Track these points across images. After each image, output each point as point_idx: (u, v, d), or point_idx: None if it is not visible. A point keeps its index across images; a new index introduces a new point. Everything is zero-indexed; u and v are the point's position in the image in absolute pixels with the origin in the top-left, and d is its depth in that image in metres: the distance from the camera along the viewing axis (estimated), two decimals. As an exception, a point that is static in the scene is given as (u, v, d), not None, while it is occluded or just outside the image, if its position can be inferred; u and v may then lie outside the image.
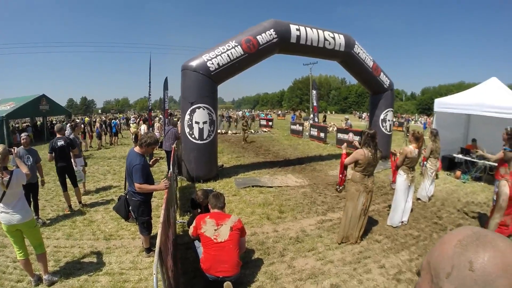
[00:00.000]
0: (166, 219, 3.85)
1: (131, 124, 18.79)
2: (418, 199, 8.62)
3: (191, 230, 4.56)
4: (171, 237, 4.44)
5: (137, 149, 5.11)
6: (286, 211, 7.59)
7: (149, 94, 10.41)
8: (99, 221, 7.04)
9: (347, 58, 12.56)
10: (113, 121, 21.79)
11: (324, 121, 29.27)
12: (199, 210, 5.98)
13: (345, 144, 6.92)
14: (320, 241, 6.05)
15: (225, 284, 4.15)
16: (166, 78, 15.65)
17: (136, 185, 4.86)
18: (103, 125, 20.15)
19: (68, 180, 7.87)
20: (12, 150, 5.21)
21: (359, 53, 12.59)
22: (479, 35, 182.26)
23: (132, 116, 27.82)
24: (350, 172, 6.13)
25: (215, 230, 4.27)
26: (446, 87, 77.94)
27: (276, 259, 5.37)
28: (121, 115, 56.54)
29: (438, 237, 6.39)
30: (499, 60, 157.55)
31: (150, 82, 10.38)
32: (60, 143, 7.59)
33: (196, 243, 4.64)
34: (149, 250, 5.36)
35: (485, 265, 0.73)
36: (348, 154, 5.99)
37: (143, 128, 13.61)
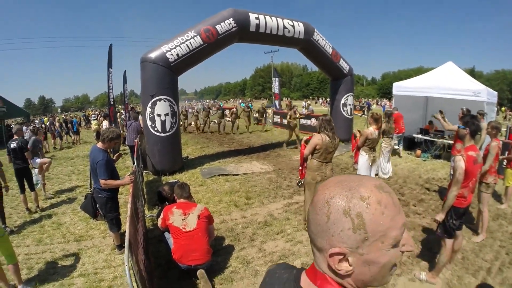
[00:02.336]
0: (133, 213, 3.84)
1: (92, 121, 18.31)
2: (376, 175, 8.93)
3: (159, 222, 4.58)
4: (141, 231, 4.43)
5: (99, 145, 5.05)
6: (253, 197, 7.73)
7: (109, 88, 10.14)
8: (68, 223, 6.87)
9: (307, 45, 12.76)
10: (73, 119, 21.17)
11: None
12: (167, 204, 5.95)
13: (305, 137, 6.96)
14: (288, 224, 6.24)
15: (198, 272, 4.20)
16: (125, 71, 15.42)
17: (101, 181, 4.81)
18: (63, 125, 19.57)
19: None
20: None
21: (318, 40, 12.80)
22: (437, 21, 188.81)
23: (92, 113, 27.05)
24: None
25: (182, 219, 4.31)
26: (405, 72, 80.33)
27: (247, 244, 5.49)
28: (80, 112, 54.78)
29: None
30: (455, 45, 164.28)
31: (110, 74, 10.12)
32: (13, 145, 7.31)
33: (166, 234, 4.65)
34: (121, 247, 5.30)
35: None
36: (307, 143, 5.97)
37: (105, 124, 13.29)
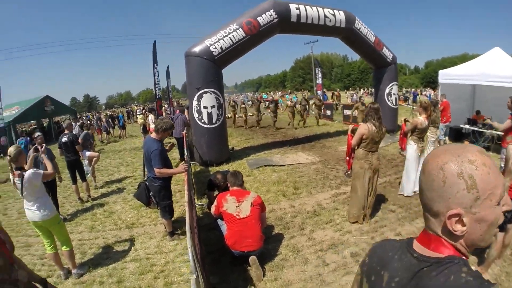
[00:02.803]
0: (190, 199, 4.01)
1: (138, 116, 18.99)
2: None
3: (213, 209, 4.69)
4: (195, 218, 4.60)
5: (153, 135, 5.22)
6: (300, 187, 7.75)
7: (156, 83, 10.47)
8: (119, 212, 7.22)
9: (349, 34, 12.54)
10: (119, 114, 22.01)
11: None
12: (216, 193, 6.02)
13: (351, 125, 6.92)
14: (336, 213, 6.22)
15: (250, 258, 4.30)
16: (168, 67, 15.84)
17: (156, 170, 4.97)
18: (109, 120, 20.45)
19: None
20: (40, 148, 5.22)
21: (360, 28, 12.55)
22: (481, 5, 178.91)
23: (137, 108, 28.01)
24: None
25: (236, 206, 4.42)
26: (449, 59, 76.24)
27: (296, 232, 5.53)
28: (124, 108, 56.45)
29: None
30: (501, 30, 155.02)
31: (156, 69, 10.44)
32: (64, 139, 7.84)
33: (219, 221, 4.77)
34: (172, 233, 5.51)
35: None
36: (353, 132, 5.90)
37: (150, 118, 13.74)
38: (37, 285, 4.12)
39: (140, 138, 17.27)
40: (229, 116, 19.15)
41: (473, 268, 2.78)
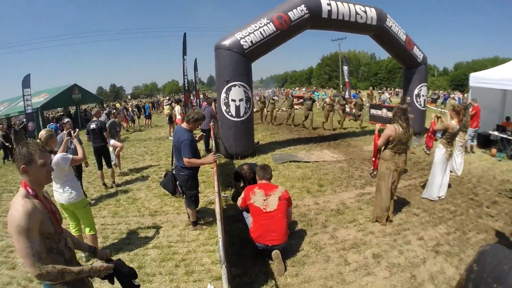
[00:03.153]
0: (218, 189, 4.07)
1: (164, 106, 19.25)
2: (451, 171, 8.55)
3: (239, 202, 4.72)
4: (221, 209, 4.68)
5: (184, 125, 5.29)
6: (325, 185, 7.75)
7: (184, 74, 10.60)
8: (142, 199, 7.35)
9: (380, 32, 12.37)
10: (146, 105, 22.39)
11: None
12: (242, 184, 6.07)
13: (378, 124, 6.84)
14: (360, 213, 6.21)
15: (273, 252, 4.35)
16: (196, 59, 15.97)
17: (185, 159, 5.02)
18: (136, 110, 20.87)
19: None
20: (72, 132, 5.28)
21: (391, 26, 12.36)
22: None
23: (164, 99, 28.47)
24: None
25: (264, 200, 4.45)
26: (480, 62, 73.04)
27: (319, 230, 5.55)
28: (148, 99, 57.16)
29: (474, 212, 6.42)
30: None
31: (185, 61, 10.57)
32: (92, 126, 8.10)
33: (245, 214, 4.81)
34: (196, 223, 5.58)
35: None
36: (380, 133, 5.85)
37: (177, 109, 13.93)
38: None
39: (165, 128, 17.52)
40: (257, 111, 18.80)
41: None
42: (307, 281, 4.17)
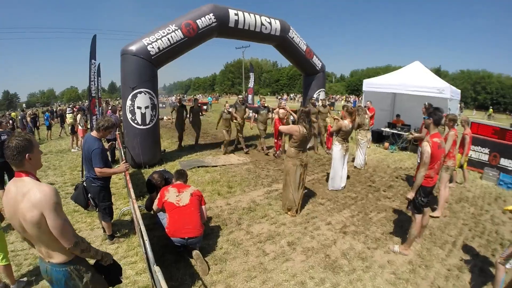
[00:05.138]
0: (134, 195, 4.00)
1: (67, 115, 17.55)
2: (355, 167, 9.69)
3: (155, 203, 4.82)
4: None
5: (94, 133, 5.03)
6: (234, 186, 8.08)
7: (91, 80, 9.95)
8: (52, 218, 6.83)
9: (282, 42, 13.15)
10: (46, 113, 20.10)
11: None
12: (156, 193, 6.00)
13: (277, 109, 7.55)
14: (270, 209, 6.68)
15: (194, 253, 4.50)
16: (99, 64, 15.19)
17: (97, 169, 4.81)
18: (35, 119, 18.71)
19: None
20: None
21: (293, 37, 13.25)
22: (406, 22, 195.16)
23: (67, 107, 25.99)
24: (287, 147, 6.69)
25: (176, 196, 4.67)
26: (374, 70, 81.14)
27: (234, 227, 5.83)
28: (44, 108, 52.50)
29: (374, 196, 7.55)
30: (423, 46, 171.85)
31: (93, 65, 9.95)
32: (4, 137, 6.97)
33: (161, 214, 4.96)
34: (112, 236, 5.37)
35: None
36: (281, 118, 6.47)
37: (79, 117, 13.14)
38: None
39: (66, 140, 16.26)
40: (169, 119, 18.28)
41: (397, 246, 3.29)
42: (232, 275, 4.37)
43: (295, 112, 7.38)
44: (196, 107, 12.68)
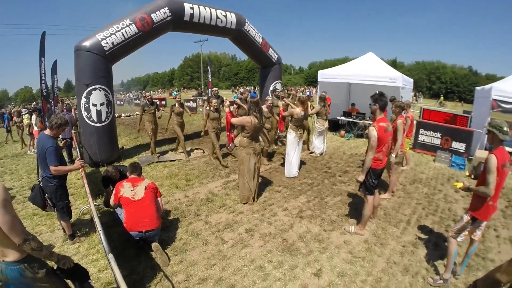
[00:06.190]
0: (91, 190, 3.98)
1: (23, 116, 16.57)
2: (312, 152, 10.26)
3: (112, 199, 4.84)
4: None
5: (47, 132, 4.95)
6: (192, 179, 8.17)
7: (42, 79, 9.61)
8: (11, 224, 6.61)
9: (238, 35, 13.26)
10: (5, 115, 18.75)
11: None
12: (111, 188, 5.92)
13: (227, 102, 7.76)
14: (228, 198, 6.87)
15: (153, 245, 4.57)
16: (56, 61, 14.69)
17: (52, 168, 4.75)
18: None
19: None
20: None
21: (249, 30, 13.39)
22: (362, 15, 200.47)
23: (23, 108, 24.61)
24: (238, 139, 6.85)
25: (131, 190, 4.71)
26: (331, 62, 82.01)
27: (193, 219, 5.95)
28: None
29: (329, 182, 7.92)
30: (378, 38, 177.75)
31: (43, 63, 9.62)
32: None
33: (118, 210, 4.96)
34: (73, 236, 5.31)
35: None
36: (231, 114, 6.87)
37: (33, 118, 12.65)
38: None
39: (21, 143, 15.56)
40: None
41: (352, 227, 3.52)
42: (192, 264, 4.50)
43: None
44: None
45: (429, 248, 4.98)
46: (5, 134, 17.28)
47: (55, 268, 2.91)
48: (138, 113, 11.95)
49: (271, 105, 8.85)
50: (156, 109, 10.45)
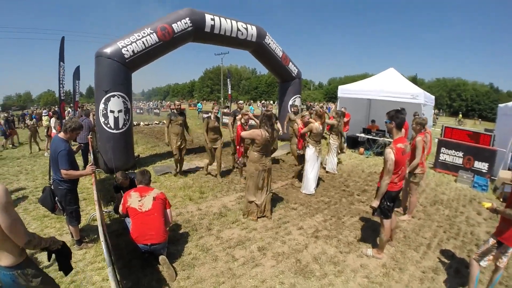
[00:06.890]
0: (98, 197, 3.91)
1: (43, 118, 16.92)
2: (327, 172, 9.84)
3: (120, 208, 4.73)
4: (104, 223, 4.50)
5: (61, 135, 4.91)
6: (206, 192, 7.99)
7: (60, 83, 9.69)
8: (21, 223, 6.61)
9: (258, 48, 13.27)
10: (33, 115, 19.25)
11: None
12: (122, 193, 5.90)
13: (238, 115, 7.66)
14: (241, 214, 6.59)
15: (160, 258, 4.42)
16: (78, 67, 14.83)
17: (63, 171, 4.70)
18: (9, 123, 17.90)
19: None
20: None
21: (269, 43, 13.36)
22: (383, 31, 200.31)
23: (43, 110, 25.15)
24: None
25: (139, 201, 4.56)
26: (351, 78, 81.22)
27: (204, 233, 5.74)
28: (19, 112, 50.84)
29: (347, 201, 7.60)
30: (399, 55, 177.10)
31: (62, 68, 9.70)
32: None
33: (127, 219, 4.83)
34: (80, 242, 5.23)
35: None
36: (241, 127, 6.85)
37: (53, 121, 12.76)
38: None
39: (41, 144, 15.69)
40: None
41: (370, 250, 3.30)
42: (199, 281, 4.30)
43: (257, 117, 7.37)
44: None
45: (450, 274, 4.68)
46: (28, 132, 17.55)
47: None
48: (163, 122, 11.73)
49: (307, 120, 8.05)
50: (184, 121, 9.35)
